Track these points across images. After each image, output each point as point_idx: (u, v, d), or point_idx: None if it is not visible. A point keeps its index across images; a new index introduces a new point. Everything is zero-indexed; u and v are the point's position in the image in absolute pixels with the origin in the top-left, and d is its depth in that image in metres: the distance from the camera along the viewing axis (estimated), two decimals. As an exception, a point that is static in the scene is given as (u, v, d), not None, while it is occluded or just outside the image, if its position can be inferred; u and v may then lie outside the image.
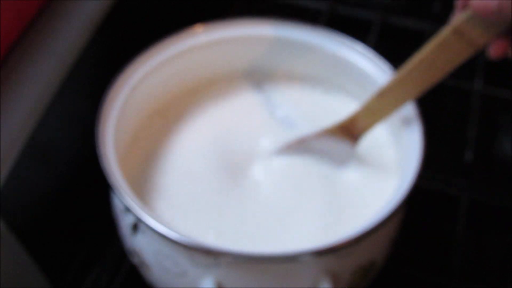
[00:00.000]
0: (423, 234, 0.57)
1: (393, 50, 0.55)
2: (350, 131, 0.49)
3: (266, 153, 0.51)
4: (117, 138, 0.47)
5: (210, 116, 0.54)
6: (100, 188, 0.48)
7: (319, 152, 0.50)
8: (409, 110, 0.48)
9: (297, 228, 0.46)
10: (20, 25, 0.50)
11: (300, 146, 0.50)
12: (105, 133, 0.46)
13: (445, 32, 0.42)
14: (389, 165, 0.50)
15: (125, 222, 0.46)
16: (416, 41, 0.69)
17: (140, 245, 0.45)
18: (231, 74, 0.56)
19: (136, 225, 0.45)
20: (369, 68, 0.51)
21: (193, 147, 0.51)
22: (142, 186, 0.49)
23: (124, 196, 0.43)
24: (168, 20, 0.60)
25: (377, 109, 0.47)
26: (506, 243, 0.58)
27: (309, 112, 0.54)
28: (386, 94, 0.46)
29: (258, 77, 0.56)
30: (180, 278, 0.44)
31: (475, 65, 0.67)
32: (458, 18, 0.41)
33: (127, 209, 0.43)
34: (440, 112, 0.67)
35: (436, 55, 0.43)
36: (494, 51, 0.42)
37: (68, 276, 0.54)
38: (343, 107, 0.54)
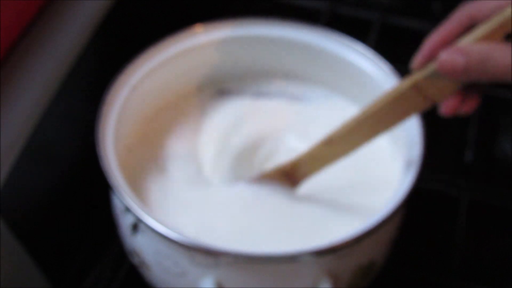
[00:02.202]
0: (423, 234, 0.57)
1: (393, 50, 0.55)
2: (289, 175, 0.47)
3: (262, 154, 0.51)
4: (117, 138, 0.47)
5: (210, 116, 0.54)
6: (100, 188, 0.48)
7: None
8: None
9: (296, 229, 0.46)
10: (20, 25, 0.50)
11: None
12: (105, 133, 0.46)
13: (403, 85, 0.41)
14: (388, 165, 0.50)
15: (125, 222, 0.46)
16: (416, 41, 0.69)
17: (140, 245, 0.45)
18: (231, 74, 0.56)
19: (136, 225, 0.45)
20: (369, 68, 0.51)
21: (193, 147, 0.51)
22: (142, 186, 0.49)
23: (124, 196, 0.43)
24: (168, 20, 0.60)
25: (322, 156, 0.45)
26: (506, 243, 0.58)
27: (307, 112, 0.54)
28: (333, 143, 0.45)
29: (258, 77, 0.56)
30: (180, 278, 0.44)
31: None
32: (418, 73, 0.40)
33: (127, 209, 0.43)
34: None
35: (392, 107, 0.42)
36: (446, 108, 0.41)
37: (68, 276, 0.54)
38: (342, 107, 0.54)
